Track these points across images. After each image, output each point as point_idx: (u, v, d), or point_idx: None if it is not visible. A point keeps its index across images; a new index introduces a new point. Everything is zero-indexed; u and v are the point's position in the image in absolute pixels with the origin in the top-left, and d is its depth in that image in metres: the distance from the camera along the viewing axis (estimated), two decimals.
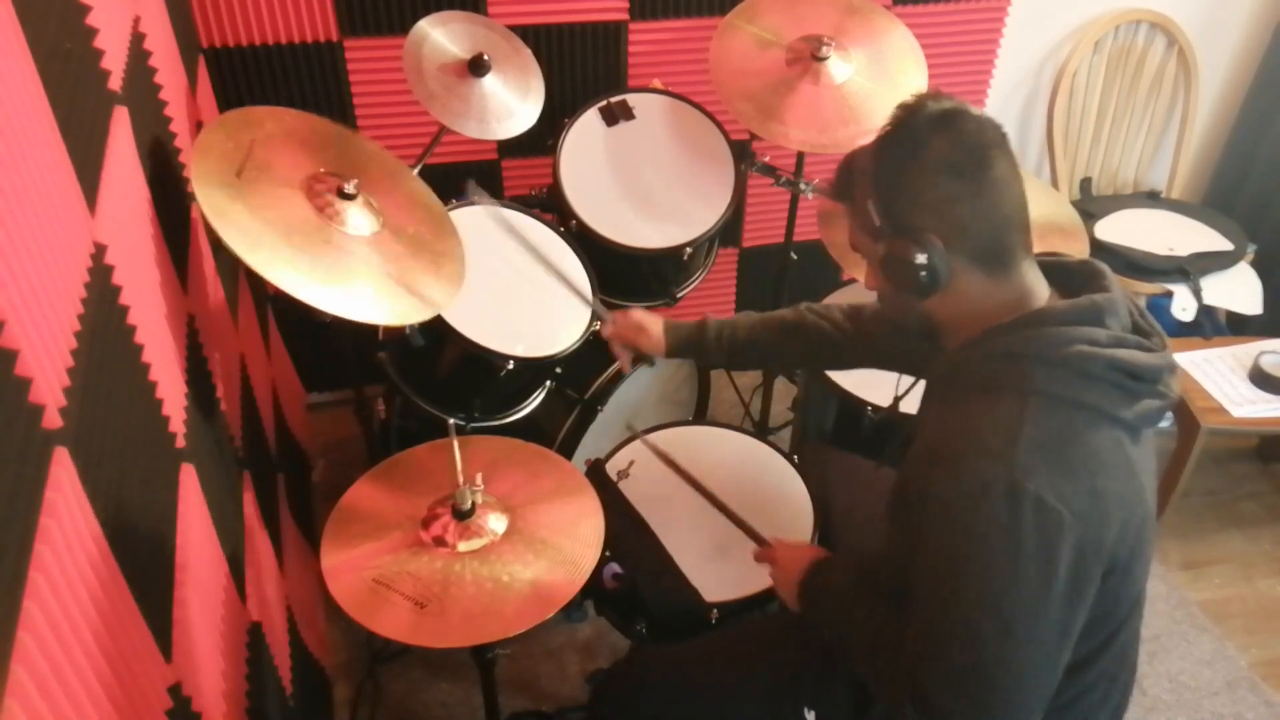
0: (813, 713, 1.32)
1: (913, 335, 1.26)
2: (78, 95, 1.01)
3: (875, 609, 1.21)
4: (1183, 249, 2.54)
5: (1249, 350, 2.38)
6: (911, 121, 1.08)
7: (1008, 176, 1.07)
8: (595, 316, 1.80)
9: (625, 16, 2.26)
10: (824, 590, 1.30)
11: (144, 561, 0.95)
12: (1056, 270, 1.16)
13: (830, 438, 2.04)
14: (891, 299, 1.19)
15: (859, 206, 1.14)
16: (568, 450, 1.92)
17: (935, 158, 1.06)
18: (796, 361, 1.59)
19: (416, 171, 1.86)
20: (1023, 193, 1.09)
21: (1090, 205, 2.72)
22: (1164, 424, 2.51)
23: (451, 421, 1.49)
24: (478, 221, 1.82)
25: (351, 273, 1.40)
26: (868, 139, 1.85)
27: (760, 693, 1.37)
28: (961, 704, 1.04)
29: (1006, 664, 1.02)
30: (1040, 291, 1.12)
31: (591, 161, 1.99)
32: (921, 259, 1.07)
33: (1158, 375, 1.08)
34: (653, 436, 1.83)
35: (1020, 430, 1.02)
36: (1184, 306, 2.44)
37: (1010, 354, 1.07)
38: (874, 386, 1.90)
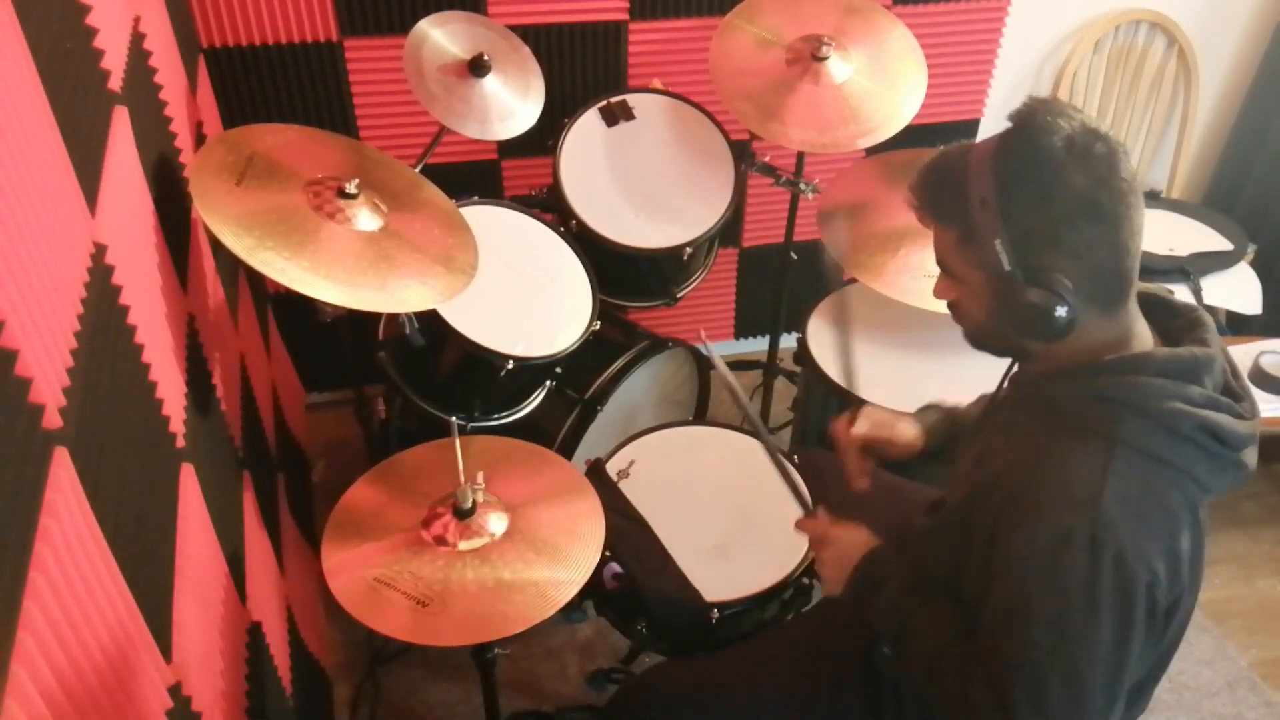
0: None
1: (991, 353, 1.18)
2: (78, 95, 1.01)
3: (938, 623, 1.15)
4: (1183, 249, 2.54)
5: (1249, 350, 2.38)
6: (1044, 152, 0.98)
7: (1139, 209, 1.00)
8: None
9: (625, 16, 2.26)
10: (883, 587, 1.20)
11: (144, 561, 0.95)
12: (1158, 307, 1.11)
13: (831, 438, 2.04)
14: (987, 327, 1.11)
15: (974, 237, 1.03)
16: (568, 450, 1.92)
17: (1076, 199, 0.97)
18: None
19: (417, 171, 1.87)
20: (1141, 241, 1.02)
21: None
22: None
23: (452, 421, 1.49)
24: (479, 221, 1.82)
25: (358, 267, 1.40)
26: (868, 139, 1.91)
27: (776, 706, 1.36)
28: None
29: (1071, 713, 1.01)
30: (1142, 332, 1.07)
31: (591, 161, 1.99)
32: (1061, 311, 1.00)
33: (1243, 444, 1.03)
34: (653, 437, 1.83)
35: (1105, 482, 0.99)
36: None
37: (1104, 398, 1.03)
38: (875, 385, 1.89)
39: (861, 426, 1.40)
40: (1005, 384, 1.22)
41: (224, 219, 1.32)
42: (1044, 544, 1.00)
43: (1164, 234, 2.61)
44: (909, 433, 1.42)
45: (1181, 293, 2.45)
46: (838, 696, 1.33)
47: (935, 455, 1.44)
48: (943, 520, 1.18)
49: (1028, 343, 1.08)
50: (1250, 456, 1.05)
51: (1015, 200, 1.00)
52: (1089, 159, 0.97)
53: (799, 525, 1.37)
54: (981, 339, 1.14)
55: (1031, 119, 1.00)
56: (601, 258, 1.93)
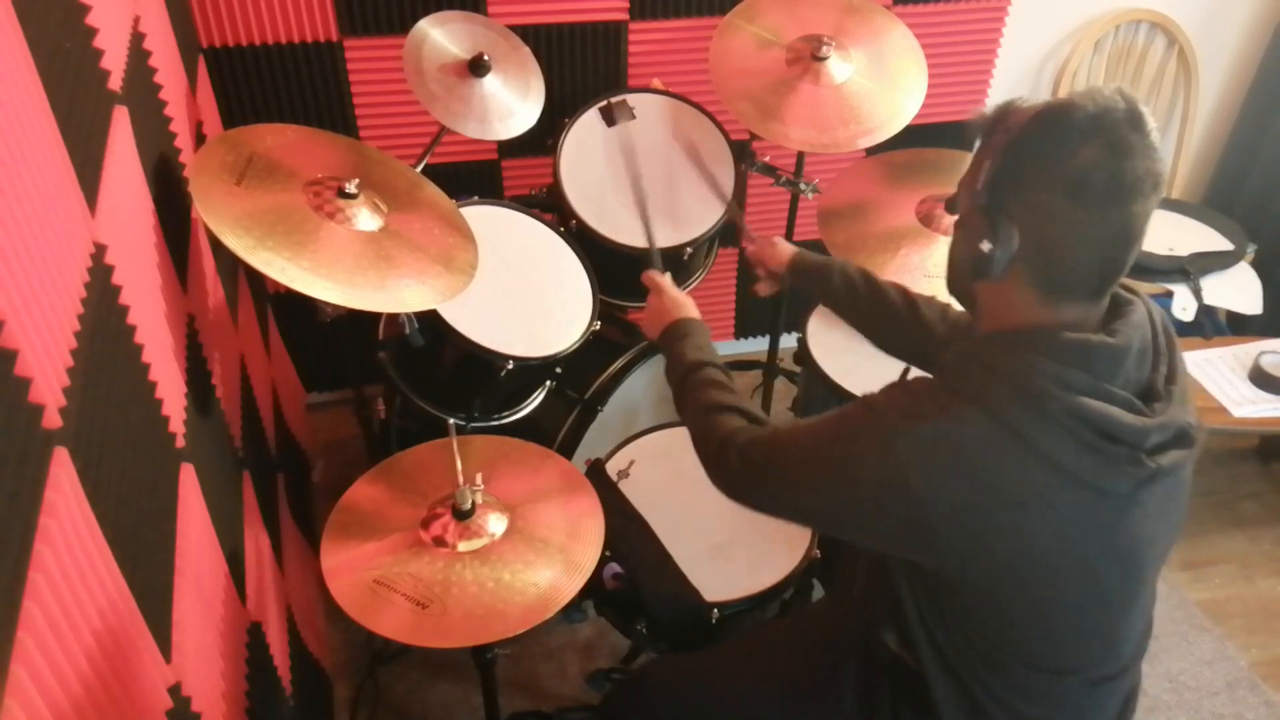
0: None
1: (959, 301, 1.21)
2: (78, 95, 1.01)
3: (723, 373, 1.36)
4: (1183, 249, 2.54)
5: (1249, 350, 2.38)
6: (1079, 111, 0.96)
7: (1126, 230, 0.98)
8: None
9: (625, 16, 2.26)
10: (687, 337, 1.43)
11: (144, 561, 0.95)
12: (1114, 299, 1.08)
13: None
14: (951, 257, 1.15)
15: (981, 155, 1.05)
16: (568, 450, 1.92)
17: (1069, 168, 0.96)
18: (885, 346, 1.57)
19: (418, 171, 1.87)
20: (1129, 251, 1.00)
21: None
22: None
23: (452, 421, 1.49)
24: (479, 221, 1.82)
25: (358, 267, 1.40)
26: (868, 139, 1.91)
27: (769, 705, 1.37)
28: (747, 472, 1.21)
29: (796, 487, 1.15)
30: (1085, 326, 1.04)
31: (591, 161, 1.99)
32: (985, 246, 1.02)
33: (1137, 440, 1.00)
34: (653, 437, 1.84)
35: (941, 417, 1.02)
36: (1184, 306, 2.44)
37: (989, 365, 1.03)
38: (875, 386, 1.89)
39: (752, 248, 1.70)
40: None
41: (224, 219, 1.32)
42: (867, 403, 1.11)
43: (1164, 234, 2.61)
44: (783, 248, 1.65)
45: (1181, 293, 2.46)
46: (834, 688, 1.33)
47: (799, 283, 1.64)
48: None
49: (972, 286, 1.10)
50: (1166, 458, 1.02)
51: (1025, 138, 0.99)
52: (1110, 144, 0.95)
53: (644, 278, 1.58)
54: (950, 279, 1.17)
55: (1091, 90, 0.98)
56: (601, 258, 1.93)
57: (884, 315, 1.52)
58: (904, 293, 1.51)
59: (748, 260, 1.73)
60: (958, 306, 1.26)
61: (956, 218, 1.13)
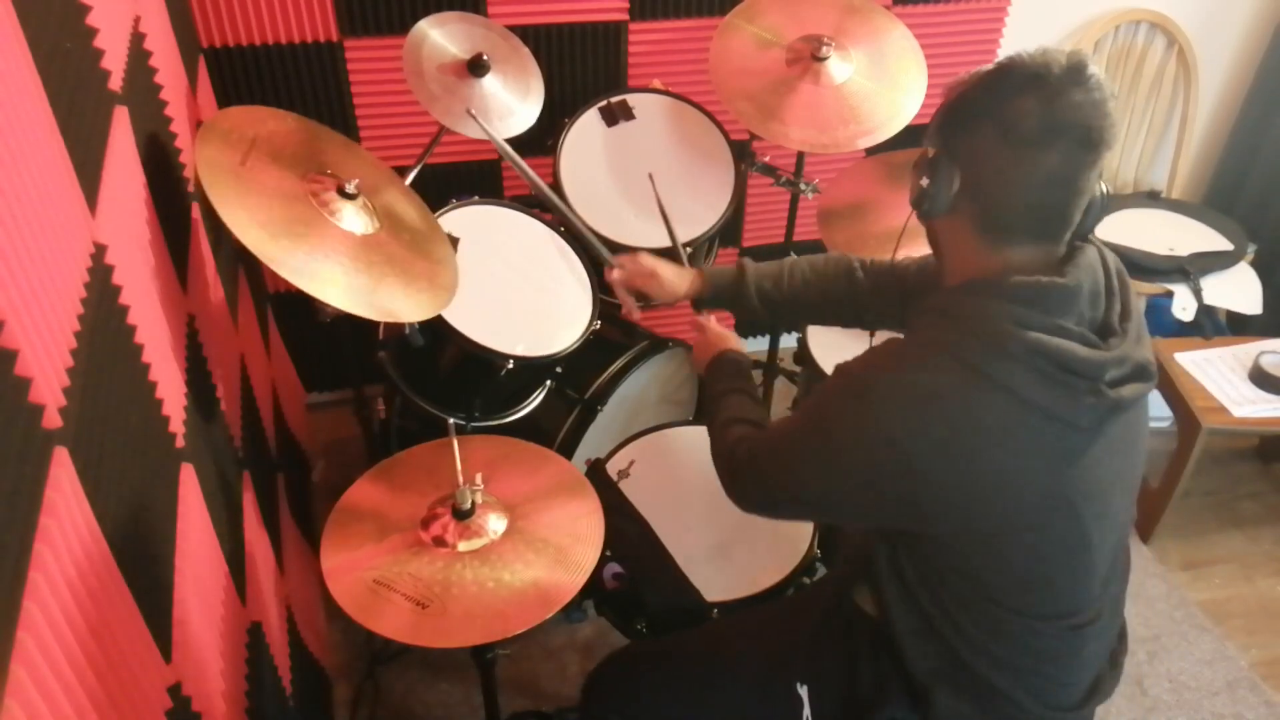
0: (805, 688, 1.33)
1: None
2: (78, 95, 1.01)
3: (755, 398, 1.44)
4: (1183, 249, 2.54)
5: (1249, 350, 2.38)
6: (1022, 65, 1.04)
7: (1059, 176, 1.04)
8: (600, 261, 1.76)
9: (625, 16, 2.26)
10: (734, 367, 1.50)
11: (144, 561, 0.95)
12: (1069, 248, 1.15)
13: None
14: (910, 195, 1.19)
15: (942, 102, 1.13)
16: (568, 450, 1.92)
17: (1006, 112, 1.03)
18: (835, 323, 1.67)
19: (417, 171, 1.87)
20: (1070, 200, 1.06)
21: None
22: (1164, 424, 2.51)
23: (451, 421, 1.49)
24: (479, 222, 1.82)
25: (352, 268, 1.40)
26: (868, 139, 1.91)
27: (752, 673, 1.37)
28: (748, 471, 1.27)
29: (790, 487, 1.21)
30: (1037, 270, 1.10)
31: (591, 161, 1.99)
32: (924, 181, 1.10)
33: (1096, 373, 1.05)
34: (653, 437, 1.83)
35: (909, 367, 1.09)
36: (1184, 306, 2.44)
37: (949, 313, 1.11)
38: None
39: (617, 274, 1.67)
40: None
41: (232, 203, 1.32)
42: (839, 370, 1.17)
43: (1164, 234, 2.61)
44: (672, 279, 1.64)
45: (1181, 293, 2.46)
46: (815, 651, 1.35)
47: (714, 306, 1.66)
48: None
49: (932, 231, 1.18)
50: (1126, 390, 1.08)
51: (971, 88, 1.08)
52: (1044, 96, 1.01)
53: (698, 322, 1.65)
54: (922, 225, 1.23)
55: (1044, 49, 1.05)
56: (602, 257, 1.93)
57: (841, 309, 1.60)
58: (848, 270, 1.56)
59: (608, 286, 1.72)
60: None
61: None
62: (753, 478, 1.27)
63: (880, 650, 1.28)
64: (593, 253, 1.79)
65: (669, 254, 1.95)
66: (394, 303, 1.44)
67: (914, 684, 1.24)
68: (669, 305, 1.72)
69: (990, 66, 1.08)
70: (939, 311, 1.12)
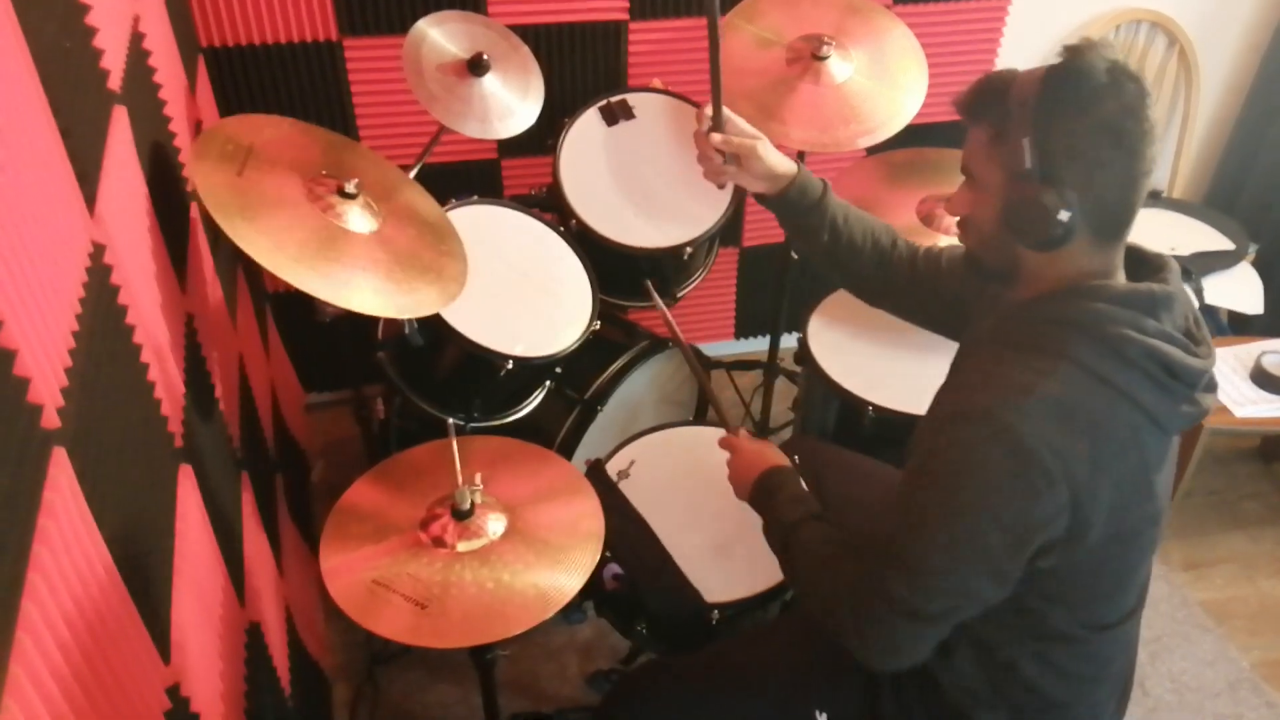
0: (824, 714, 1.32)
1: (984, 277, 1.24)
2: (78, 95, 1.01)
3: (825, 517, 1.29)
4: (1184, 249, 2.54)
5: (1250, 350, 2.38)
6: (1088, 71, 1.04)
7: (1154, 160, 1.07)
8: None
9: (625, 16, 2.26)
10: (781, 490, 1.34)
11: (142, 562, 0.95)
12: (1132, 255, 1.16)
13: (831, 437, 2.04)
14: (991, 235, 1.16)
15: (1005, 137, 1.09)
16: (568, 450, 1.92)
17: (1105, 118, 1.04)
18: (857, 286, 1.57)
19: (416, 171, 1.87)
20: (1154, 170, 1.08)
21: None
22: None
23: (450, 421, 1.49)
24: (479, 221, 1.82)
25: (354, 268, 1.40)
26: (868, 139, 1.91)
27: (770, 696, 1.36)
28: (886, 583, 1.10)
29: (945, 573, 1.08)
30: (1116, 272, 1.13)
31: (591, 161, 1.99)
32: (1064, 216, 1.06)
33: (1195, 380, 1.08)
34: (653, 437, 1.83)
35: (1039, 383, 1.05)
36: None
37: (1057, 320, 1.09)
38: (876, 387, 1.90)
39: (718, 137, 1.49)
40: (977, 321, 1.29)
41: (227, 206, 1.32)
42: (959, 419, 1.07)
43: (1165, 234, 2.61)
44: (773, 153, 1.50)
45: None
46: (834, 675, 1.33)
47: (791, 215, 1.53)
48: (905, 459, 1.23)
49: (1022, 254, 1.14)
50: (1206, 400, 1.11)
51: (1051, 107, 1.05)
52: (1123, 91, 1.03)
53: (721, 442, 1.50)
54: (981, 253, 1.20)
55: (1086, 48, 1.06)
56: (601, 257, 1.93)
57: (863, 261, 1.51)
58: (891, 238, 1.51)
59: (700, 144, 1.52)
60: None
61: (980, 205, 1.15)
62: (900, 610, 1.09)
63: (904, 679, 1.26)
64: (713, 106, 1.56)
65: (671, 253, 1.95)
66: (417, 294, 1.45)
67: (945, 710, 1.23)
68: (748, 185, 1.53)
69: (1048, 78, 1.06)
70: (1042, 319, 1.11)
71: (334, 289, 1.35)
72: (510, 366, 1.69)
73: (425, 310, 1.48)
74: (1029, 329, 1.12)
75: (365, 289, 1.39)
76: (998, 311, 1.20)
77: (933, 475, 1.09)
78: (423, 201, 1.65)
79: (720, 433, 1.56)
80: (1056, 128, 1.05)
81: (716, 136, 1.50)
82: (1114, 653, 1.24)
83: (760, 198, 1.54)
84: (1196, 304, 1.20)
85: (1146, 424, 1.08)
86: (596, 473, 1.71)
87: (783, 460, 1.41)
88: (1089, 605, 1.17)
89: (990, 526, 1.05)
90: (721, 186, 1.53)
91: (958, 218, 1.22)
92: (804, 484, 1.38)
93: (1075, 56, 1.05)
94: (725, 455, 1.79)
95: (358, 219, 1.46)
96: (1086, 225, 1.08)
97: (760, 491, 1.37)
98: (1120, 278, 1.13)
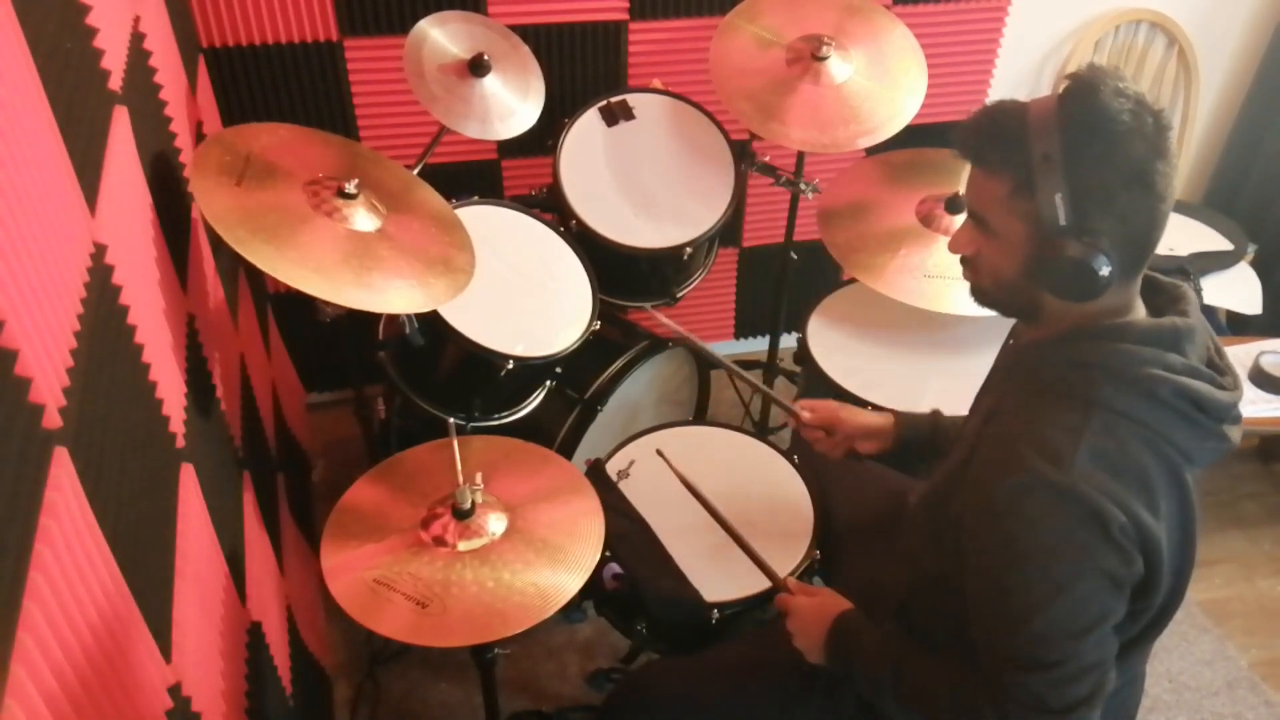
0: (822, 715, 1.32)
1: (997, 311, 1.20)
2: (78, 95, 1.01)
3: (921, 650, 1.21)
4: (1183, 249, 2.54)
5: (1249, 350, 2.38)
6: (1112, 115, 1.00)
7: (1176, 184, 1.05)
8: (787, 411, 1.60)
9: (625, 16, 2.26)
10: (858, 636, 1.26)
11: (144, 561, 0.95)
12: (1146, 284, 1.13)
13: None
14: (1010, 281, 1.11)
15: (1028, 191, 1.04)
16: (568, 450, 1.92)
17: (1135, 164, 1.00)
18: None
19: (417, 171, 1.87)
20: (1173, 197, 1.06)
21: None
22: None
23: (451, 421, 1.49)
24: (479, 222, 1.82)
25: (359, 267, 1.40)
26: (868, 139, 1.91)
27: (770, 696, 1.37)
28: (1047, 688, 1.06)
29: (1074, 655, 1.04)
30: (1137, 306, 1.10)
31: (591, 161, 1.99)
32: (1105, 271, 1.02)
33: (1224, 414, 1.06)
34: (652, 437, 1.83)
35: (1081, 439, 1.02)
36: None
37: (1083, 363, 1.07)
38: (875, 387, 1.90)
39: (807, 416, 1.54)
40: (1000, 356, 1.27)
41: (228, 217, 1.32)
42: (1017, 494, 1.03)
43: (1164, 234, 2.61)
44: (856, 411, 1.51)
45: None
46: (833, 688, 1.33)
47: (915, 453, 1.48)
48: (930, 498, 1.20)
49: (1046, 300, 1.09)
50: (1234, 432, 1.09)
51: (1081, 158, 1.01)
52: (1146, 130, 1.00)
53: (777, 601, 1.37)
54: (995, 294, 1.16)
55: (1098, 84, 1.01)
56: (601, 258, 1.93)
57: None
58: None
59: (799, 433, 1.57)
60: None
61: (972, 234, 1.12)
62: (1032, 694, 1.06)
63: None
64: (780, 407, 1.64)
65: (671, 253, 1.96)
66: (430, 287, 1.47)
67: None
68: (864, 449, 1.52)
69: (1069, 121, 1.02)
70: (1069, 364, 1.08)
71: (375, 297, 1.40)
72: (511, 366, 1.70)
73: (446, 300, 1.50)
74: (1057, 374, 1.09)
75: (400, 289, 1.42)
76: (1019, 349, 1.18)
77: (1018, 561, 1.04)
78: (427, 195, 1.66)
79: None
80: (1091, 181, 1.01)
81: (805, 414, 1.55)
82: (1130, 694, 1.24)
83: (892, 455, 1.52)
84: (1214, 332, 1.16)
85: (1183, 462, 1.06)
86: (596, 473, 1.71)
87: (843, 604, 1.32)
88: (1137, 642, 1.15)
89: (1098, 584, 1.03)
90: (838, 457, 1.56)
91: (960, 255, 1.17)
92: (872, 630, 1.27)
93: (1091, 95, 1.00)
94: (724, 453, 1.79)
95: (363, 219, 1.47)
96: (1116, 267, 1.04)
97: (837, 645, 1.27)
98: (1139, 309, 1.10)
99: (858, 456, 1.53)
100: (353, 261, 1.42)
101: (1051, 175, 1.02)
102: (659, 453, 1.57)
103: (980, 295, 1.18)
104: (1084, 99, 1.01)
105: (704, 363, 2.16)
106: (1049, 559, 1.03)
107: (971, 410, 1.30)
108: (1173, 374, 1.04)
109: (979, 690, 1.11)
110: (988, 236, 1.11)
